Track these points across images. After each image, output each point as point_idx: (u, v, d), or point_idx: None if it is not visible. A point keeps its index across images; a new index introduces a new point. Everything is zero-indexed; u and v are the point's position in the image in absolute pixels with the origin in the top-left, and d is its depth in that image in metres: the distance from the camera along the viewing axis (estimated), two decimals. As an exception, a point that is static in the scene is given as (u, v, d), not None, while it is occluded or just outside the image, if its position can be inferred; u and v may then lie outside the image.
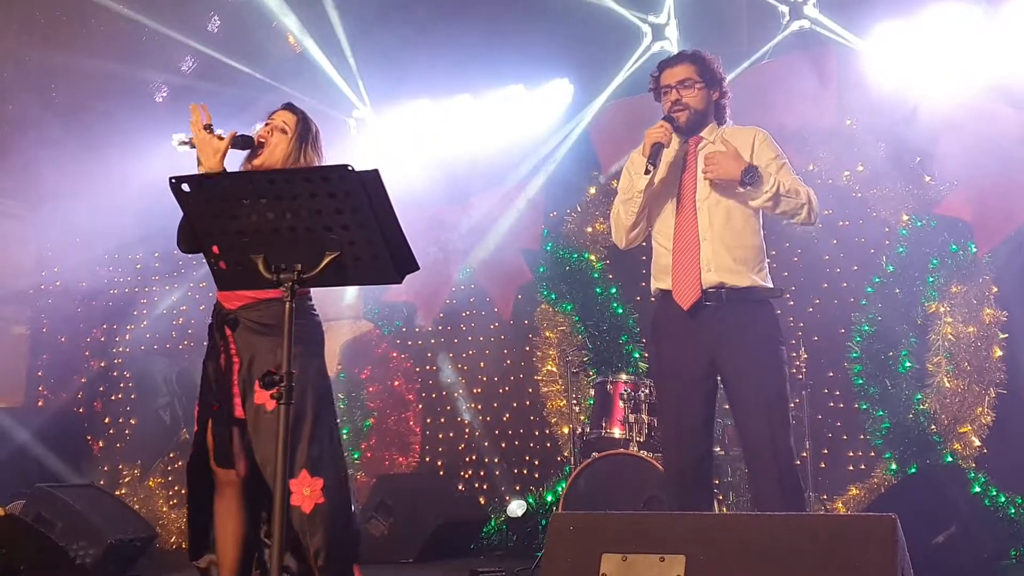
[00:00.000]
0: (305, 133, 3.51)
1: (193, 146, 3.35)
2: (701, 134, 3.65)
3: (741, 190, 3.47)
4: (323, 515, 3.29)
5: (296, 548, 3.35)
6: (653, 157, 3.45)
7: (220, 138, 3.38)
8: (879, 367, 6.03)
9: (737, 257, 3.51)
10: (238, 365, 3.38)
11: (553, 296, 6.99)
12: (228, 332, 3.39)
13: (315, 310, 3.51)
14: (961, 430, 5.83)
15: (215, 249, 2.59)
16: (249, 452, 3.37)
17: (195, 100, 8.28)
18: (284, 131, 3.49)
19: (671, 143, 3.55)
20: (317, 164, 3.49)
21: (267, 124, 3.52)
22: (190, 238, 3.22)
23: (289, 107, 3.57)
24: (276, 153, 3.48)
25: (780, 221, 3.69)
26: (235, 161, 3.52)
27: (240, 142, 3.44)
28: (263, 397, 3.26)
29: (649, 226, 3.70)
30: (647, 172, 3.47)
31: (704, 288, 3.48)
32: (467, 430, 7.18)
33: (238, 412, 3.39)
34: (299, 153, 3.48)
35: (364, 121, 7.59)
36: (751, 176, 3.43)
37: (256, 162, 3.49)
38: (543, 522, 6.39)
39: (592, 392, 5.77)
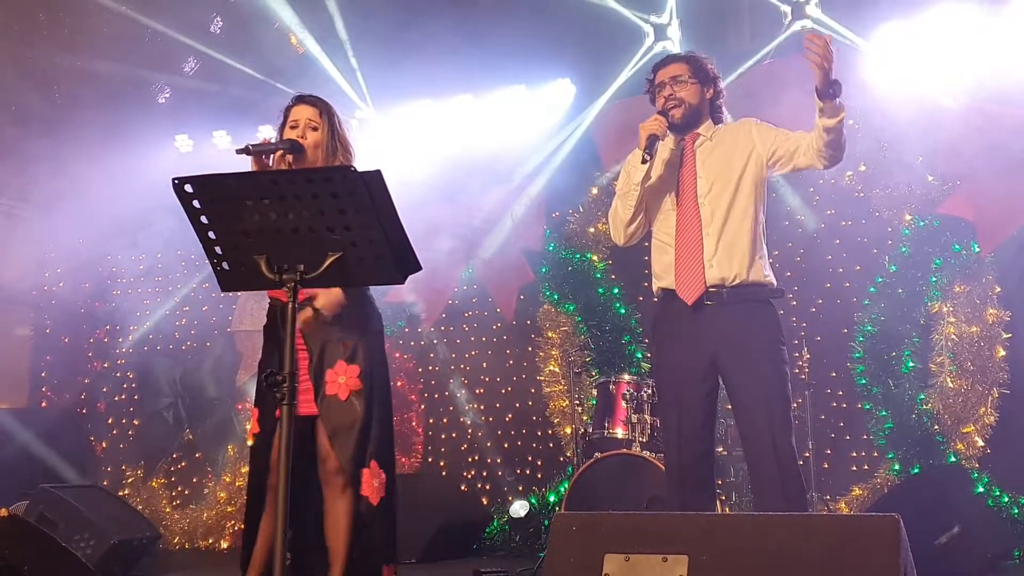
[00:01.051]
0: (331, 120, 3.55)
1: (249, 153, 3.37)
2: (698, 130, 3.67)
3: (821, 103, 3.42)
4: (387, 509, 3.39)
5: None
6: (649, 148, 3.47)
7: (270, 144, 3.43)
8: (882, 367, 6.03)
9: (739, 251, 3.52)
10: (307, 359, 3.39)
11: (555, 296, 6.99)
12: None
13: (370, 296, 3.57)
14: (964, 430, 5.82)
15: (218, 250, 2.60)
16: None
17: (197, 101, 8.30)
18: (315, 128, 3.51)
19: (666, 135, 3.56)
20: (350, 142, 3.56)
21: (293, 127, 3.52)
22: None
23: (303, 100, 3.58)
24: (318, 153, 3.50)
25: (818, 166, 3.62)
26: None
27: (289, 146, 3.45)
28: (335, 387, 3.36)
29: (648, 223, 3.71)
30: (644, 162, 3.48)
31: (708, 284, 3.49)
32: (469, 430, 7.18)
33: (309, 409, 3.40)
34: (335, 143, 3.52)
35: (366, 121, 7.59)
36: (838, 88, 3.39)
37: (306, 164, 3.51)
38: (546, 522, 6.38)
39: (594, 392, 5.77)
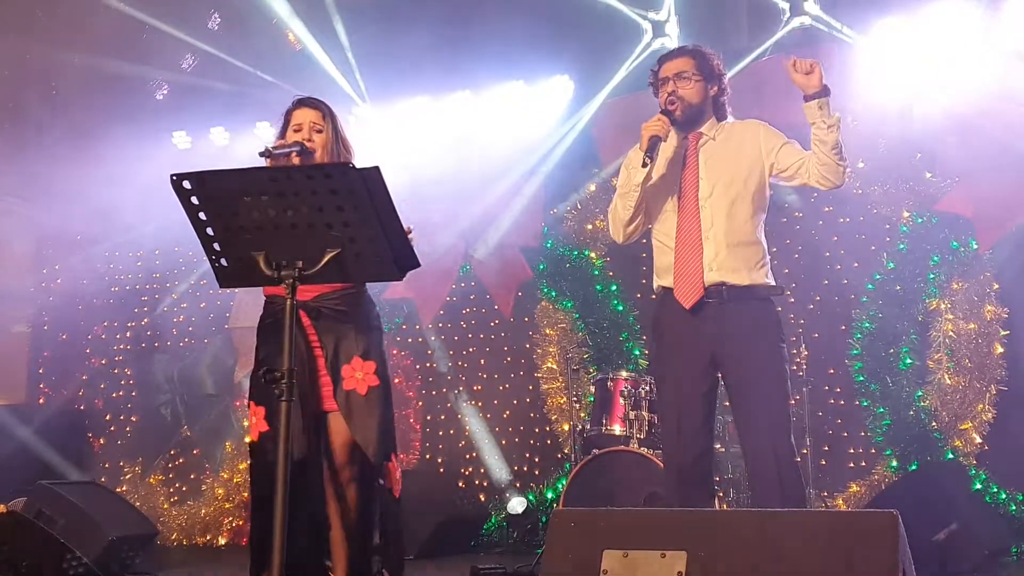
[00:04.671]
0: (334, 122, 3.57)
1: (269, 155, 3.35)
2: (701, 129, 3.62)
3: (814, 103, 3.47)
4: (400, 500, 3.49)
5: (364, 532, 3.44)
6: (650, 150, 3.42)
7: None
8: (880, 364, 6.04)
9: (739, 256, 3.50)
10: (322, 356, 3.43)
11: (553, 293, 6.99)
12: (308, 322, 3.42)
13: (370, 295, 3.66)
14: (962, 427, 5.83)
15: (216, 246, 2.60)
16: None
17: (195, 97, 8.29)
18: (320, 130, 3.52)
19: (668, 135, 3.52)
20: (350, 141, 3.60)
21: (296, 130, 3.52)
22: None
23: (304, 104, 3.58)
24: (324, 155, 3.51)
25: (820, 173, 3.63)
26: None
27: (299, 148, 3.45)
28: (353, 383, 3.41)
29: (648, 223, 3.69)
30: (644, 165, 3.45)
31: (706, 287, 3.48)
32: (467, 427, 7.18)
33: (329, 405, 3.44)
34: (339, 145, 3.55)
35: (364, 118, 7.58)
36: (827, 91, 3.46)
37: None
38: (544, 519, 6.39)
39: (592, 389, 5.76)
